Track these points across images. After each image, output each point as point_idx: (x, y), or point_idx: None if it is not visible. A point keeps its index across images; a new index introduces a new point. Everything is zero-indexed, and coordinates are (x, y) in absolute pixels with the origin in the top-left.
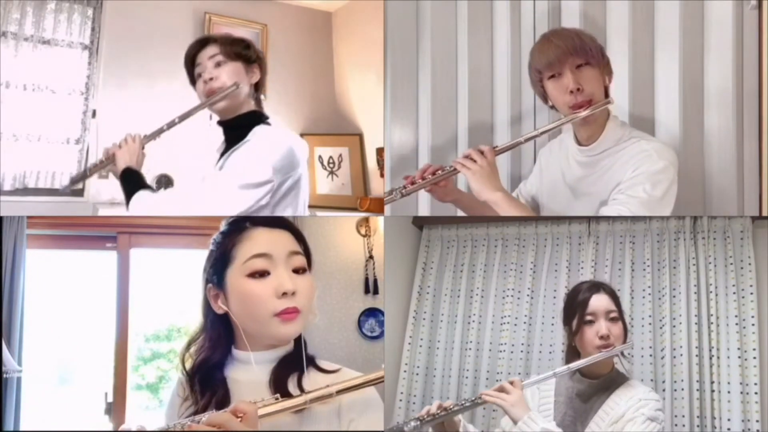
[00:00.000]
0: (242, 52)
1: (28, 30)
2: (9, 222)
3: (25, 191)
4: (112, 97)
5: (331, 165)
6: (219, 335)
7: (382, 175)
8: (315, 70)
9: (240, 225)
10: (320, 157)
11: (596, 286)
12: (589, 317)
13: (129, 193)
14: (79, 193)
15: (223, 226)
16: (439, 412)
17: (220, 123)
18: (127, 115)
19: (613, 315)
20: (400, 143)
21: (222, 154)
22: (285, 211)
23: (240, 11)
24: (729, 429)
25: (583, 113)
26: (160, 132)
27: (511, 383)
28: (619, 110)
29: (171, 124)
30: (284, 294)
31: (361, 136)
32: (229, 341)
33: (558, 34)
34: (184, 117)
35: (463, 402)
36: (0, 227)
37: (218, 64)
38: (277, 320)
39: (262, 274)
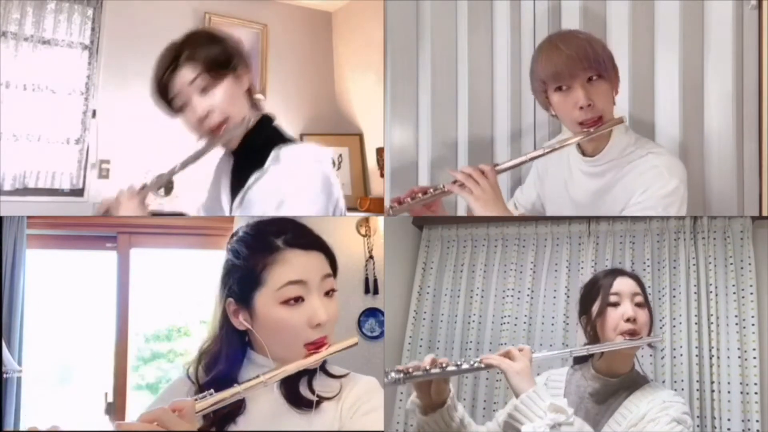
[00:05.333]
0: (223, 60)
1: (28, 30)
2: (9, 222)
3: (25, 191)
4: (112, 97)
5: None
6: (236, 350)
7: (382, 175)
8: (315, 70)
9: (270, 243)
10: None
11: (619, 271)
12: (613, 298)
13: None
14: (79, 193)
15: (246, 236)
16: (430, 368)
17: (232, 153)
18: (127, 115)
19: (639, 299)
20: (400, 143)
21: (235, 179)
22: None
23: (240, 11)
24: (729, 429)
25: (594, 133)
26: (161, 182)
27: (520, 350)
28: (618, 111)
29: (171, 173)
30: (318, 325)
31: (361, 136)
32: (245, 352)
33: (566, 39)
34: (186, 164)
35: (460, 363)
36: (0, 227)
37: (204, 90)
38: (306, 353)
39: (296, 299)
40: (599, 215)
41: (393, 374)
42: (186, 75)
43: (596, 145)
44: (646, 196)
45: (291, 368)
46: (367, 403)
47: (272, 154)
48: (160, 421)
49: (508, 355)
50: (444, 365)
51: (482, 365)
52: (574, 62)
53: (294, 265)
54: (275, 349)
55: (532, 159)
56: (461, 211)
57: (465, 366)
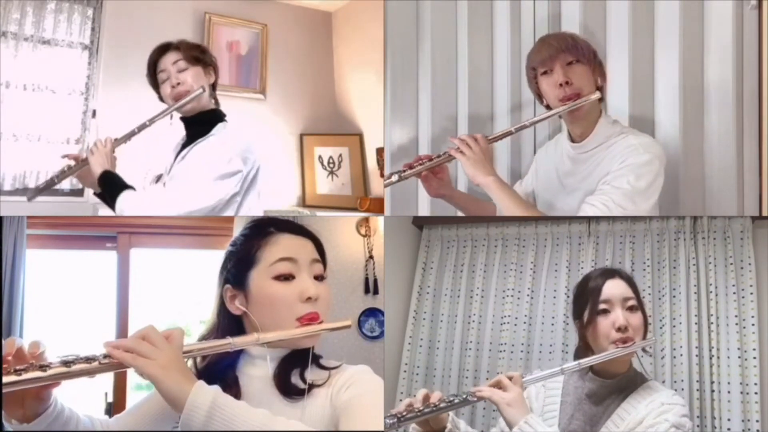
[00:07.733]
0: (200, 56)
1: (28, 30)
2: (9, 222)
3: (25, 191)
4: (112, 97)
5: (331, 165)
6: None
7: (382, 175)
8: (315, 70)
9: (264, 229)
10: (320, 157)
11: (610, 272)
12: (603, 305)
13: (113, 195)
14: (79, 193)
15: (244, 229)
16: (423, 408)
17: (182, 119)
18: (127, 115)
19: (631, 303)
20: (400, 143)
21: (183, 147)
22: (251, 198)
23: (240, 11)
24: (729, 429)
25: (570, 105)
26: (131, 135)
27: (510, 378)
28: (619, 110)
29: (142, 127)
30: (308, 299)
31: (361, 136)
32: None
33: (554, 35)
34: (154, 119)
35: (453, 398)
36: (0, 227)
37: (181, 70)
38: (298, 325)
39: (287, 277)
40: (586, 196)
41: (387, 420)
42: (171, 57)
43: (583, 131)
44: (621, 165)
45: (285, 334)
46: (357, 382)
47: (218, 125)
48: (148, 338)
49: (498, 385)
50: (436, 403)
51: (474, 398)
52: (557, 50)
53: (284, 245)
54: (268, 326)
55: (518, 130)
56: (455, 209)
57: (457, 401)
